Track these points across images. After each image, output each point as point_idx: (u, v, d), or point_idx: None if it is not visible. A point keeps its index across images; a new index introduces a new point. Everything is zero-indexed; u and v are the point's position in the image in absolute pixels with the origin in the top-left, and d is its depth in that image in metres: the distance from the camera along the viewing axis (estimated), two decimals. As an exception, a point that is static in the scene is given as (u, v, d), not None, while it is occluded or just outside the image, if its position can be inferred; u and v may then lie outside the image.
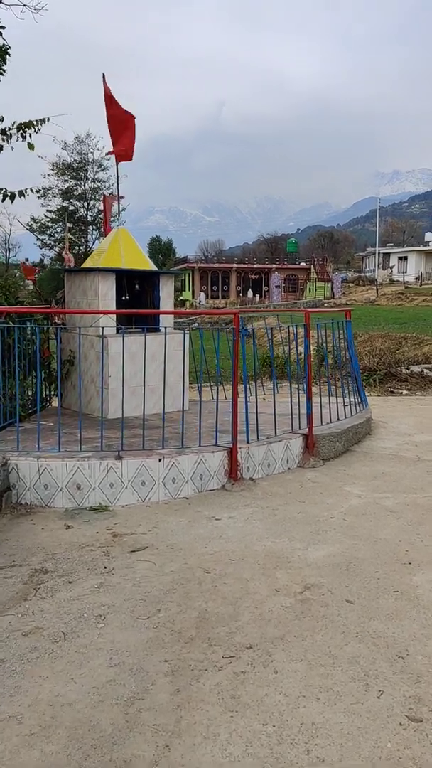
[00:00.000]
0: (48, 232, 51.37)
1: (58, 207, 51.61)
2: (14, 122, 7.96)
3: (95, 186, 52.34)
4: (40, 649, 3.46)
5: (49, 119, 8.05)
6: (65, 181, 51.87)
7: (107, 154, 8.40)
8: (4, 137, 7.89)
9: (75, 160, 51.48)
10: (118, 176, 8.33)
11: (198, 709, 2.96)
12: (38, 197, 51.31)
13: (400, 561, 4.52)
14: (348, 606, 3.90)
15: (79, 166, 51.78)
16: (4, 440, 6.29)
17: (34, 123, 7.98)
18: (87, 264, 8.57)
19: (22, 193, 8.38)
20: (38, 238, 50.57)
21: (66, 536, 4.99)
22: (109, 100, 8.30)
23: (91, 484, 5.64)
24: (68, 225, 50.62)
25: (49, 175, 50.92)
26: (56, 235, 52.05)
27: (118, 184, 8.68)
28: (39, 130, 7.93)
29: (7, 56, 8.43)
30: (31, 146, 8.11)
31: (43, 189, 51.18)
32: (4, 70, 8.43)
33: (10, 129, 8.02)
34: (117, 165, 8.39)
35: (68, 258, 9.59)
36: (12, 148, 8.24)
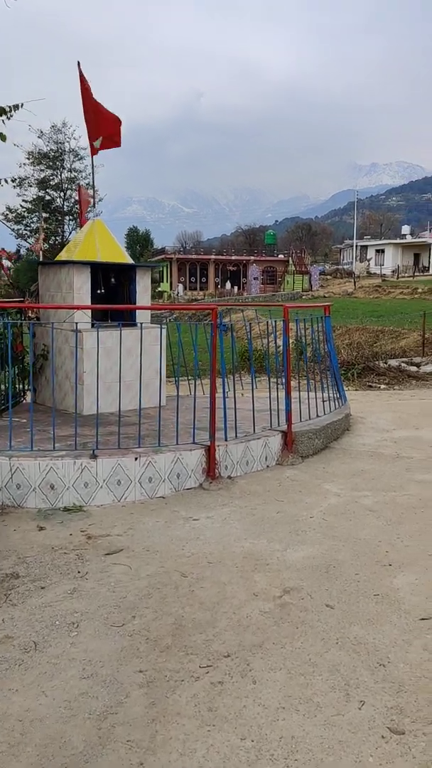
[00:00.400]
0: (24, 222, 50.75)
1: (35, 197, 50.98)
2: (-15, 109, 7.71)
3: (72, 176, 51.78)
4: (10, 659, 3.32)
5: (22, 105, 7.80)
6: (41, 170, 51.24)
7: (96, 143, 8.14)
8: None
9: (51, 150, 50.88)
10: (93, 166, 8.14)
11: (174, 723, 2.85)
12: (14, 187, 50.73)
13: (381, 563, 4.44)
14: (328, 611, 3.82)
15: (56, 156, 51.18)
16: (-25, 438, 6.11)
17: (6, 109, 7.73)
18: (62, 256, 8.39)
19: (-7, 182, 8.15)
20: (13, 229, 49.91)
21: (39, 538, 4.85)
22: (86, 92, 8.09)
23: (65, 484, 5.49)
24: (44, 215, 50.02)
25: (24, 164, 50.31)
26: (32, 225, 51.43)
27: (93, 174, 8.50)
28: (11, 116, 7.68)
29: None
30: (2, 136, 7.87)
31: (19, 178, 50.55)
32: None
33: (-19, 116, 7.77)
34: (92, 156, 8.19)
35: (37, 248, 9.34)
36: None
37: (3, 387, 7.90)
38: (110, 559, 4.49)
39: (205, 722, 2.86)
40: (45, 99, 8.67)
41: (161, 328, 6.75)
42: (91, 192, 8.91)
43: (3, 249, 8.74)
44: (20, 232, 50.35)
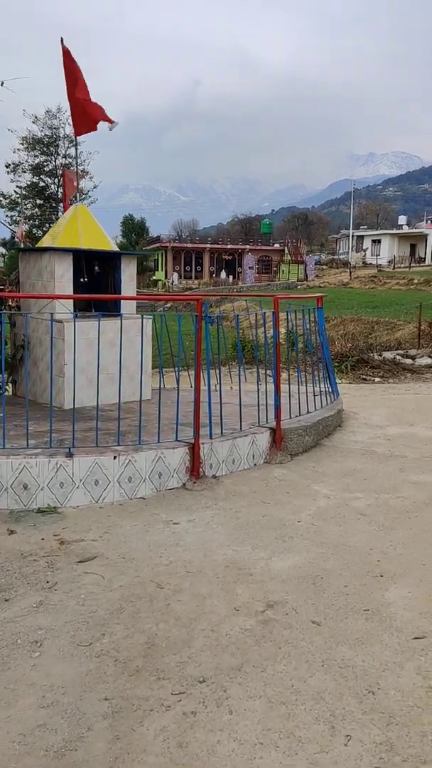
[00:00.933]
0: (18, 209, 50.08)
1: (28, 183, 50.32)
2: (-37, 87, 7.35)
3: (66, 162, 51.04)
4: (-37, 684, 3.02)
5: (2, 83, 7.46)
6: (35, 156, 50.51)
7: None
8: None
9: (46, 135, 50.11)
10: (76, 145, 7.79)
11: (138, 763, 2.56)
12: (8, 172, 50.06)
13: (371, 573, 4.16)
14: (314, 628, 3.53)
15: (50, 141, 50.42)
16: None
17: (-15, 88, 7.38)
18: (44, 242, 8.04)
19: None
20: (7, 215, 49.30)
21: (8, 543, 4.54)
22: (70, 70, 7.71)
23: (39, 484, 5.18)
24: (38, 202, 49.43)
25: (18, 149, 49.59)
26: (26, 211, 50.82)
27: (77, 153, 8.14)
28: (-9, 95, 7.33)
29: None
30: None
31: (13, 164, 49.88)
32: None
33: (-41, 95, 7.42)
34: (75, 138, 7.82)
35: (20, 234, 8.98)
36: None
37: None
38: (82, 567, 4.19)
39: (173, 761, 2.57)
40: (28, 78, 8.30)
41: (143, 318, 6.40)
42: (75, 175, 8.52)
43: None
44: (15, 218, 49.73)
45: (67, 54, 7.44)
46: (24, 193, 49.89)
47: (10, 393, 8.28)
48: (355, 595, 3.87)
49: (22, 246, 8.99)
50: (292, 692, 2.99)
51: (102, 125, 7.63)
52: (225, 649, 3.33)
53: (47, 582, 3.97)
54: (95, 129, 7.65)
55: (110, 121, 7.54)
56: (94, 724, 2.77)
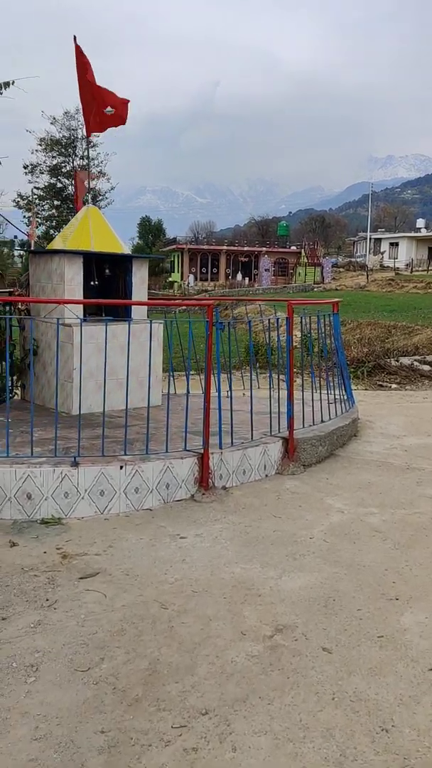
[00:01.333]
0: (36, 210, 50.22)
1: (46, 184, 50.48)
2: (-25, 86, 7.25)
3: (84, 163, 51.14)
4: None
5: (13, 82, 7.34)
6: (53, 157, 50.65)
7: (108, 110, 7.56)
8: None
9: (64, 136, 50.24)
10: (88, 144, 7.65)
11: (134, 806, 2.39)
12: (25, 173, 50.24)
13: (386, 596, 3.96)
14: (324, 656, 3.34)
15: (68, 143, 50.53)
16: None
17: (-3, 86, 7.28)
18: (55, 244, 7.91)
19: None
20: (25, 216, 49.47)
21: (8, 556, 4.39)
22: (82, 68, 7.58)
23: (43, 494, 5.03)
24: (55, 203, 49.57)
25: (36, 150, 49.77)
26: (44, 212, 50.99)
27: (88, 153, 7.99)
28: (1, 93, 7.22)
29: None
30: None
31: (31, 165, 50.06)
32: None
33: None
34: (88, 135, 7.69)
35: (31, 233, 8.85)
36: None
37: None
38: (84, 584, 4.02)
39: (171, 804, 2.40)
40: (39, 77, 8.20)
41: (150, 323, 6.24)
42: (87, 176, 8.39)
43: None
44: (29, 218, 49.83)
45: (79, 52, 7.31)
46: (41, 194, 50.09)
47: (19, 397, 8.16)
48: (369, 620, 3.68)
49: (32, 246, 8.86)
50: (300, 728, 2.81)
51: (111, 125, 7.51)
52: (230, 677, 3.15)
53: (47, 600, 3.81)
54: (107, 127, 7.51)
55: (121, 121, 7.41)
56: (88, 759, 2.61)
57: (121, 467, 5.20)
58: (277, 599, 3.89)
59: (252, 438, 6.15)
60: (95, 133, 7.99)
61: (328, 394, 7.42)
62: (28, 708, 2.89)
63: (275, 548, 4.59)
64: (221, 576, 4.16)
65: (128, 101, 7.84)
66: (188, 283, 58.38)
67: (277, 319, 6.93)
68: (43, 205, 50.89)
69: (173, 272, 64.88)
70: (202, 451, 5.57)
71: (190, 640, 3.45)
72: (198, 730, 2.79)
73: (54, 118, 48.79)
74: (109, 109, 7.69)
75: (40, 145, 49.68)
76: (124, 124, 7.93)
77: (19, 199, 50.52)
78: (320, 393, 7.37)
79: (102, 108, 7.67)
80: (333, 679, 3.15)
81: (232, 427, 6.04)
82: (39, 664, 3.21)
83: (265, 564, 4.34)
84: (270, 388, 6.60)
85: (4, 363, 7.35)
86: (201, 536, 4.76)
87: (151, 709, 2.92)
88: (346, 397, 7.92)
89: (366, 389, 12.20)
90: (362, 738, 2.76)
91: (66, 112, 48.72)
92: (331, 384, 7.78)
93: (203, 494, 5.49)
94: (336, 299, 8.06)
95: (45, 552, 4.47)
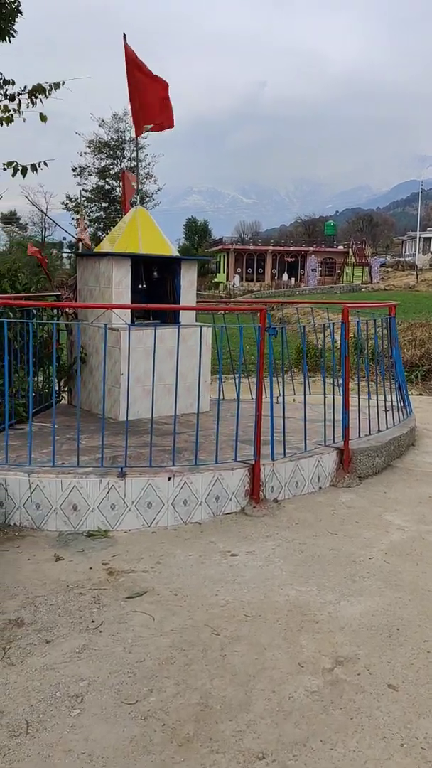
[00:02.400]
0: (84, 212, 50.72)
1: (94, 186, 50.99)
2: (24, 87, 7.15)
3: (131, 165, 51.42)
4: (-6, 746, 2.70)
5: (63, 83, 7.22)
6: (101, 159, 51.11)
7: (146, 128, 7.56)
8: (12, 102, 7.10)
9: (112, 138, 50.63)
10: (137, 147, 7.49)
11: None
12: (74, 175, 50.82)
13: (456, 626, 3.65)
14: (390, 694, 3.07)
15: (116, 145, 50.91)
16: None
17: (47, 88, 7.16)
18: (103, 246, 7.77)
19: (34, 168, 7.58)
20: (73, 218, 50.01)
21: (54, 572, 4.23)
22: (133, 63, 7.43)
23: (89, 505, 4.87)
24: (103, 204, 49.96)
25: (85, 153, 50.30)
26: (92, 214, 51.49)
27: (137, 155, 7.85)
28: (50, 95, 7.11)
29: (19, 15, 7.61)
30: (43, 117, 7.31)
31: (79, 167, 50.63)
32: (14, 31, 7.62)
33: (20, 94, 7.22)
34: (137, 137, 7.55)
35: (83, 237, 8.72)
36: (24, 120, 7.44)
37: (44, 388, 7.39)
38: (131, 604, 3.83)
39: None
40: (90, 78, 8.09)
41: (201, 327, 6.02)
42: (136, 177, 8.24)
43: (36, 249, 8.15)
44: (79, 221, 50.37)
45: (129, 51, 7.16)
46: (89, 195, 50.61)
47: (66, 402, 8.06)
48: (438, 654, 3.38)
49: (79, 248, 8.74)
50: (367, 780, 2.55)
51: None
52: (288, 716, 2.90)
53: (92, 621, 3.63)
54: (157, 127, 7.35)
55: (168, 123, 7.26)
56: (136, 808, 2.40)
57: (169, 478, 5.00)
58: (336, 627, 3.63)
59: (305, 448, 5.87)
60: (143, 134, 7.83)
61: (385, 401, 7.08)
62: (72, 745, 2.70)
63: (332, 569, 4.32)
64: (275, 599, 3.92)
65: (169, 104, 7.67)
66: (234, 283, 58.15)
67: (332, 324, 6.63)
68: (91, 207, 51.42)
69: (219, 273, 64.74)
70: (253, 461, 5.34)
71: (243, 672, 3.21)
72: (254, 778, 2.56)
73: (102, 121, 49.26)
74: (147, 126, 7.56)
75: (89, 147, 50.23)
76: (172, 127, 7.78)
77: (67, 201, 51.19)
78: (377, 399, 7.03)
79: (141, 112, 7.54)
80: (401, 722, 2.88)
81: (284, 437, 5.78)
82: (84, 695, 3.02)
83: (322, 586, 4.07)
84: (324, 395, 6.30)
85: (52, 367, 7.26)
86: (253, 554, 4.52)
87: (203, 750, 2.69)
88: (403, 404, 7.57)
89: (421, 394, 11.77)
90: (437, 794, 2.48)
91: (114, 114, 49.14)
92: (387, 390, 7.44)
93: (254, 507, 5.25)
94: (393, 302, 7.71)
95: (91, 568, 4.29)
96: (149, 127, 7.71)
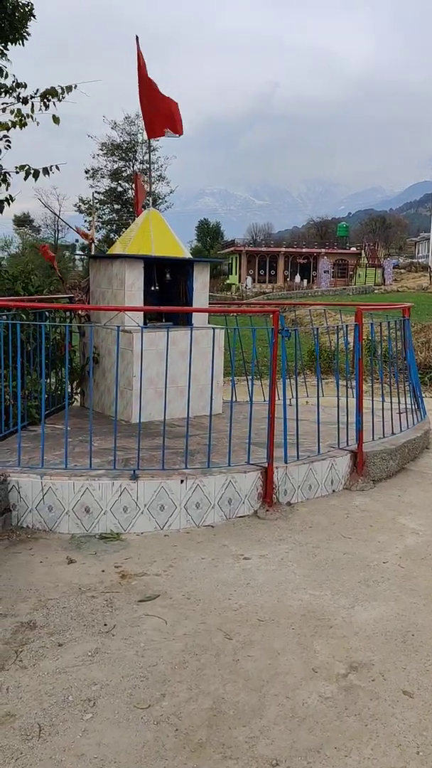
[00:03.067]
0: (96, 214, 50.92)
1: (107, 188, 51.14)
2: (37, 90, 7.18)
3: (144, 167, 51.55)
4: (6, 749, 2.69)
5: (76, 86, 7.25)
6: (114, 161, 51.28)
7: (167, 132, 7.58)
8: (26, 105, 7.14)
9: (124, 141, 50.79)
10: (149, 149, 7.48)
11: None
12: (87, 178, 51.03)
13: (471, 632, 3.61)
14: (405, 700, 3.03)
15: (129, 147, 51.06)
16: (10, 449, 5.56)
17: (59, 91, 7.18)
18: (115, 248, 7.78)
19: (46, 171, 7.63)
20: (86, 220, 50.20)
21: (66, 575, 4.22)
22: (144, 70, 7.44)
23: (101, 508, 4.86)
24: (116, 207, 50.11)
25: (98, 155, 50.50)
26: (104, 216, 51.67)
27: (150, 158, 7.91)
28: (63, 98, 7.14)
29: (32, 18, 7.64)
30: (56, 119, 7.33)
31: (92, 169, 50.82)
32: (28, 33, 7.65)
33: (33, 97, 7.25)
34: (149, 139, 7.55)
35: (89, 238, 8.72)
36: (37, 123, 7.47)
37: (57, 390, 7.40)
38: (143, 608, 3.81)
39: None
40: (101, 80, 8.10)
41: (213, 330, 6.00)
42: (148, 179, 8.24)
43: (44, 244, 8.19)
44: (93, 223, 50.50)
45: (140, 54, 7.17)
46: (102, 198, 50.78)
47: (79, 404, 8.07)
48: (454, 660, 3.34)
49: (92, 249, 8.75)
50: (383, 788, 2.52)
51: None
52: (302, 722, 2.87)
53: (105, 625, 3.62)
54: (167, 131, 7.35)
55: (176, 131, 7.24)
56: None
57: (182, 481, 4.98)
58: (350, 632, 3.59)
59: (319, 451, 5.84)
60: (161, 140, 7.85)
61: (398, 403, 7.03)
62: (84, 749, 2.69)
63: (346, 573, 4.28)
64: (289, 603, 3.89)
65: (178, 111, 7.67)
66: (246, 285, 58.12)
67: (345, 326, 6.59)
68: (103, 209, 51.59)
69: (231, 274, 64.72)
70: (266, 464, 5.31)
71: (257, 677, 3.19)
72: (268, 785, 2.53)
73: (115, 123, 49.43)
74: (169, 132, 7.55)
75: (102, 149, 50.41)
76: (181, 134, 7.79)
77: (80, 204, 51.42)
78: (390, 401, 6.98)
79: (158, 115, 7.54)
80: (416, 729, 2.84)
81: (297, 439, 5.75)
82: (96, 699, 3.00)
83: (336, 591, 4.04)
84: (338, 397, 6.26)
85: (64, 369, 7.27)
86: (266, 557, 4.49)
87: (216, 756, 2.67)
88: (417, 407, 7.51)
89: (434, 396, 11.68)
90: (454, 804, 2.44)
91: (127, 117, 49.31)
92: (401, 392, 7.39)
93: (267, 511, 5.22)
94: (407, 303, 7.66)
95: (103, 570, 4.28)
96: (167, 131, 7.69)
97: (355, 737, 2.79)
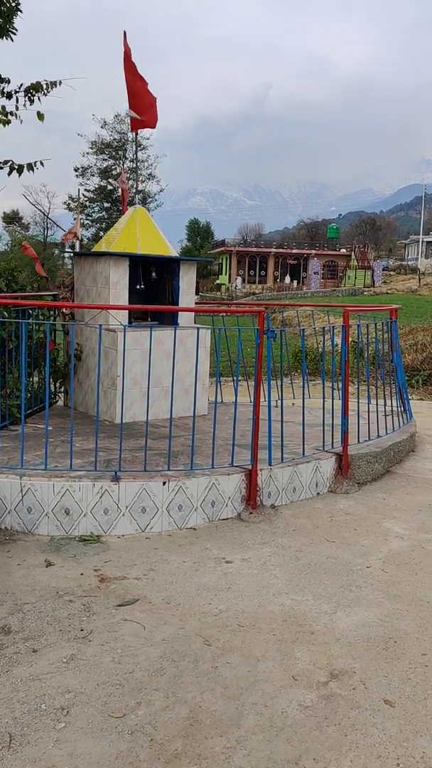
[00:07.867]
0: (86, 212, 50.71)
1: (96, 186, 50.94)
2: (20, 84, 7.07)
3: (134, 166, 51.36)
4: (-25, 760, 2.60)
5: (60, 83, 7.13)
6: (104, 160, 51.09)
7: (133, 122, 7.62)
8: (9, 100, 7.01)
9: (114, 139, 50.60)
10: (136, 142, 7.44)
11: None
12: (76, 176, 50.79)
13: (454, 639, 3.55)
14: (386, 710, 2.97)
15: (118, 146, 50.88)
16: (-10, 449, 5.46)
17: (43, 86, 7.07)
18: (101, 246, 7.68)
19: (31, 167, 7.49)
20: (74, 217, 49.97)
21: (44, 578, 4.13)
22: (128, 61, 7.39)
23: (82, 510, 4.77)
24: (105, 205, 49.91)
25: (87, 153, 50.29)
26: (94, 214, 51.49)
27: (136, 150, 7.84)
28: (48, 92, 7.02)
29: (18, 13, 7.51)
30: (40, 115, 7.21)
31: (82, 168, 50.59)
32: (14, 30, 7.52)
33: (17, 92, 7.13)
34: (136, 133, 7.47)
35: (73, 230, 8.60)
36: (21, 121, 7.34)
37: (34, 388, 7.29)
38: (122, 612, 3.73)
39: None
40: (88, 78, 8.02)
41: (198, 329, 5.93)
42: (127, 177, 8.16)
43: (24, 242, 8.08)
44: (82, 222, 50.26)
45: (127, 49, 7.09)
46: (91, 196, 50.59)
47: (62, 403, 7.97)
48: (436, 668, 3.28)
49: (75, 245, 8.63)
50: (361, 801, 2.45)
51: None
52: (280, 732, 2.81)
53: (81, 630, 3.54)
54: (151, 125, 7.32)
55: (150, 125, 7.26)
56: None
57: (164, 483, 4.90)
58: (332, 638, 3.53)
59: (303, 453, 5.78)
60: (143, 134, 7.80)
61: (384, 405, 6.99)
62: (56, 760, 2.61)
63: (329, 578, 4.22)
64: (270, 608, 3.82)
65: (155, 104, 7.67)
66: (236, 285, 58.07)
67: (332, 327, 6.54)
68: (93, 207, 51.41)
69: (221, 274, 64.65)
70: (250, 466, 5.24)
71: (235, 685, 3.12)
72: (244, 798, 2.46)
73: (105, 122, 49.24)
74: (133, 113, 7.55)
75: (91, 148, 50.21)
76: (154, 127, 7.78)
77: (69, 202, 51.18)
78: (377, 404, 6.94)
79: (134, 108, 7.53)
80: (397, 740, 2.78)
81: (282, 440, 5.68)
82: (70, 707, 2.92)
83: (318, 596, 3.98)
84: (323, 399, 6.21)
85: (39, 370, 7.17)
86: (248, 561, 4.43)
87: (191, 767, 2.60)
88: (403, 409, 7.47)
89: (422, 399, 11.67)
90: None
91: (116, 116, 49.12)
92: (387, 394, 7.35)
93: (251, 513, 5.16)
94: (395, 305, 7.62)
95: (82, 574, 4.20)
96: (132, 113, 7.68)
97: (334, 748, 2.73)
